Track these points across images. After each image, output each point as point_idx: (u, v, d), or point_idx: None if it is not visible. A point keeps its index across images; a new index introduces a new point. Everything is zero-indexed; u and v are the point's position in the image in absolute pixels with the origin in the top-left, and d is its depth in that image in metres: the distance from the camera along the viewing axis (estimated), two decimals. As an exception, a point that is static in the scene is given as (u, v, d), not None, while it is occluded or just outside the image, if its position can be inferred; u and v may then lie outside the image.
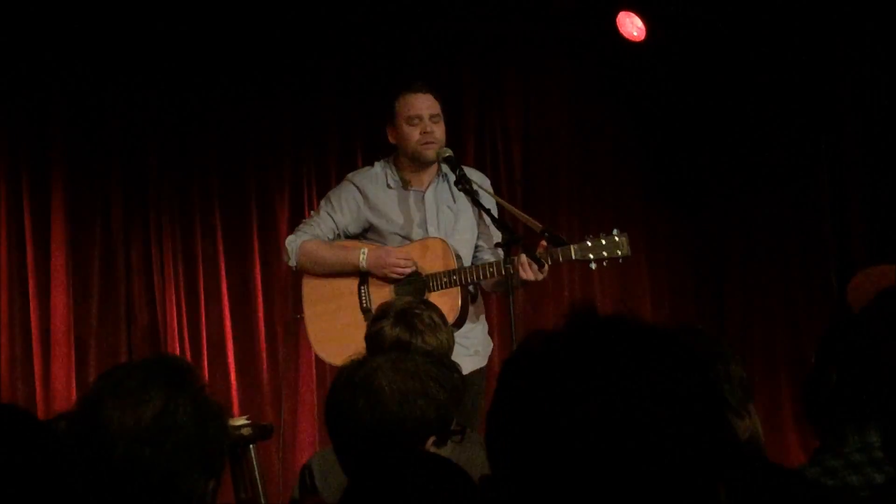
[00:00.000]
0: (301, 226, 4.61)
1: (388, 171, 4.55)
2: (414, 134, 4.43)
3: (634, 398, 1.15)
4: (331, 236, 4.52)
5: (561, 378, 1.17)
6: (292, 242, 4.50)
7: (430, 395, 2.31)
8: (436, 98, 4.49)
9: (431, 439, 2.33)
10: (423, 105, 4.45)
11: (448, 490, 1.73)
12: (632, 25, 6.23)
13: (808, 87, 6.41)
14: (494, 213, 4.42)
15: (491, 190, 4.59)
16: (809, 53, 6.36)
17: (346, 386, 2.34)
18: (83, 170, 5.65)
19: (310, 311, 4.54)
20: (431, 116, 4.44)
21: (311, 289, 4.55)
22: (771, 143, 6.57)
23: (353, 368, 2.39)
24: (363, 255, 4.43)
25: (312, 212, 4.70)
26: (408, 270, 4.41)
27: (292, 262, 4.51)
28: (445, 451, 2.39)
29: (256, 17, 5.85)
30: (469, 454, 2.73)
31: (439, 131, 4.46)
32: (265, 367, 5.90)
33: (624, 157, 6.78)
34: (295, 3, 5.86)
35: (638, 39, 6.25)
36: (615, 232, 4.36)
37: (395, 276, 4.41)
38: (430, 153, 4.45)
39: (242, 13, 5.82)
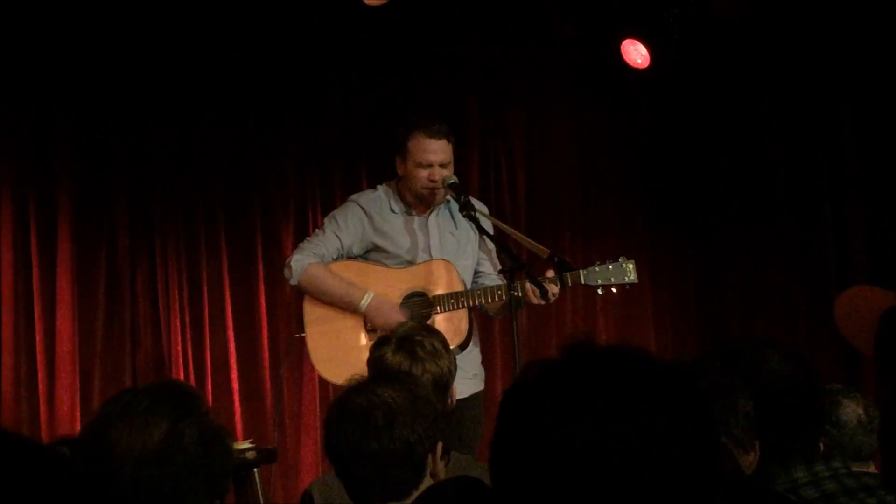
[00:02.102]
0: (305, 244, 4.57)
1: (391, 196, 4.58)
2: (421, 178, 4.47)
3: (627, 428, 1.18)
4: (335, 256, 4.50)
5: (557, 409, 1.21)
6: (298, 262, 4.46)
7: (422, 415, 2.36)
8: (449, 141, 4.50)
9: (437, 453, 2.37)
10: (436, 153, 4.45)
11: None
12: (636, 53, 6.26)
13: (809, 114, 6.43)
14: (500, 240, 4.46)
15: (489, 218, 4.62)
16: (810, 80, 6.39)
17: (340, 410, 2.38)
18: (89, 193, 5.67)
19: (311, 331, 4.51)
20: (441, 163, 4.47)
21: (313, 308, 4.51)
22: (773, 170, 6.59)
23: (347, 393, 2.43)
24: (367, 299, 4.42)
25: (317, 230, 4.66)
26: None
27: (294, 281, 4.48)
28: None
29: (261, 45, 5.89)
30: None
31: (447, 174, 4.47)
32: (269, 391, 5.90)
33: (627, 183, 6.80)
34: (299, 27, 5.89)
35: (642, 67, 6.27)
36: (622, 259, 4.47)
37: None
38: (434, 198, 4.52)
39: (247, 42, 5.85)
